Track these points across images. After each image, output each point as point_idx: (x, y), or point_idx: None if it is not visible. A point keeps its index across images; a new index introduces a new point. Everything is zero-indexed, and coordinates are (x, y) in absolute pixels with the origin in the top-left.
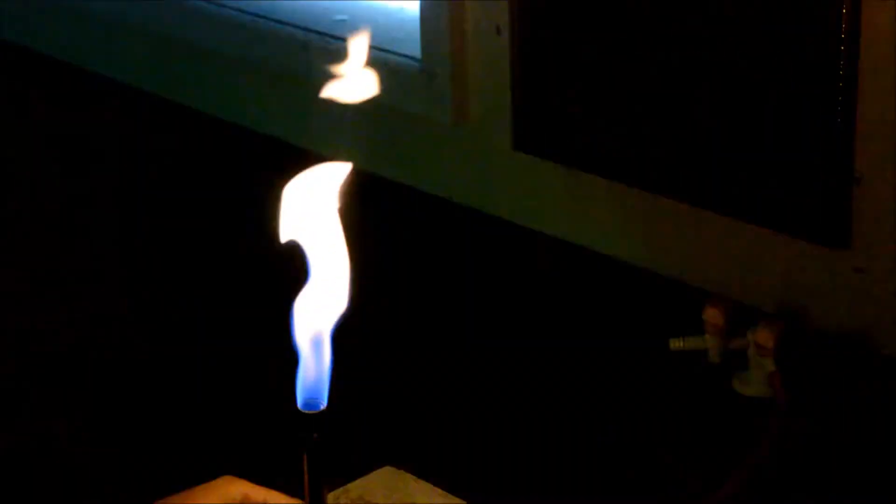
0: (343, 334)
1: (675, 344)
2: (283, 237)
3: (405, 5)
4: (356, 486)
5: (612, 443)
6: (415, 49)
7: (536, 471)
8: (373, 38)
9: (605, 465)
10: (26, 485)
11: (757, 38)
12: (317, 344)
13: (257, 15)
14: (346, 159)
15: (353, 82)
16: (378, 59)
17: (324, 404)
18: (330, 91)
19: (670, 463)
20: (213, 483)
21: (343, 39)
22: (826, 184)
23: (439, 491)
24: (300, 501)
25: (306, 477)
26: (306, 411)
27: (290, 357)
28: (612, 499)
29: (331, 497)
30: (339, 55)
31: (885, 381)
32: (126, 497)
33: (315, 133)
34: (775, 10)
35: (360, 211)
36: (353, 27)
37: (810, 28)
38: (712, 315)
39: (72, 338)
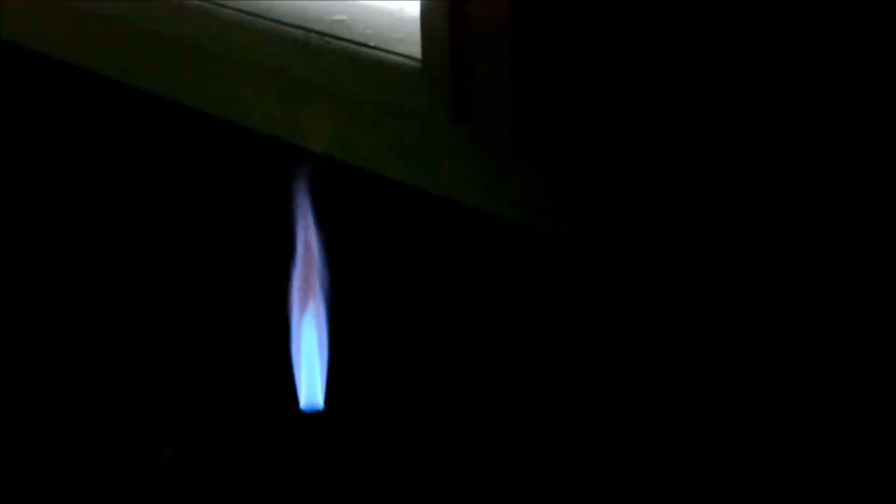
0: (343, 334)
1: None
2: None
3: (405, 5)
4: None
5: (614, 443)
6: (415, 49)
7: (536, 471)
8: (373, 38)
9: (606, 467)
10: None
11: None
12: (315, 344)
13: (257, 15)
14: (346, 159)
15: None
16: (378, 59)
17: (322, 405)
18: None
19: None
20: None
21: (343, 39)
22: None
23: None
24: None
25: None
26: (307, 412)
27: (289, 358)
28: (613, 499)
29: None
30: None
31: None
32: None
33: (315, 133)
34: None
35: (358, 211)
36: (353, 27)
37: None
38: None
39: (69, 338)
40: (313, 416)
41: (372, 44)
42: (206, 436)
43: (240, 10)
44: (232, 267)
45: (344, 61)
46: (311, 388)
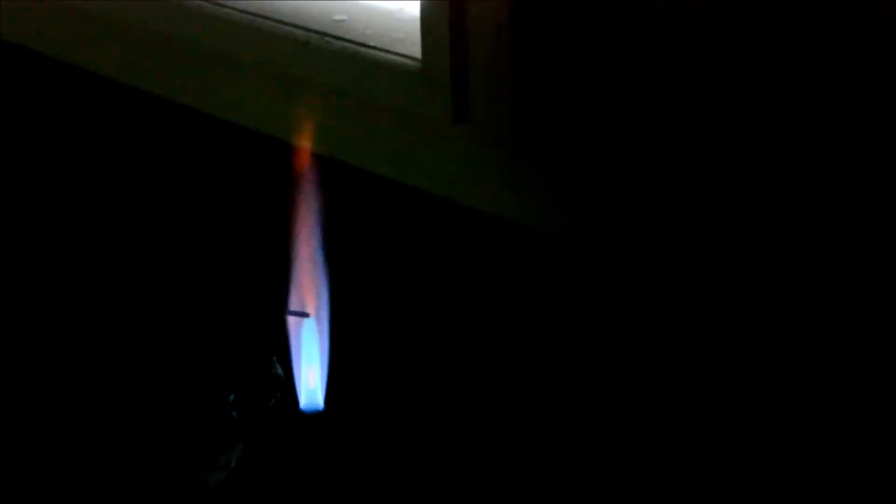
0: (343, 335)
1: None
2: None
3: (405, 5)
4: None
5: (612, 445)
6: (415, 49)
7: (536, 471)
8: (373, 38)
9: (607, 467)
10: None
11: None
12: (315, 344)
13: (257, 15)
14: (346, 159)
15: None
16: (378, 59)
17: (322, 405)
18: None
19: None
20: None
21: (343, 39)
22: None
23: None
24: None
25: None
26: (307, 412)
27: (289, 358)
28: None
29: None
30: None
31: None
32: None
33: (314, 133)
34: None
35: (358, 211)
36: (353, 27)
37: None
38: None
39: (67, 337)
40: (313, 416)
41: (372, 44)
42: (206, 437)
43: (240, 10)
44: (232, 267)
45: (344, 61)
46: (311, 388)
